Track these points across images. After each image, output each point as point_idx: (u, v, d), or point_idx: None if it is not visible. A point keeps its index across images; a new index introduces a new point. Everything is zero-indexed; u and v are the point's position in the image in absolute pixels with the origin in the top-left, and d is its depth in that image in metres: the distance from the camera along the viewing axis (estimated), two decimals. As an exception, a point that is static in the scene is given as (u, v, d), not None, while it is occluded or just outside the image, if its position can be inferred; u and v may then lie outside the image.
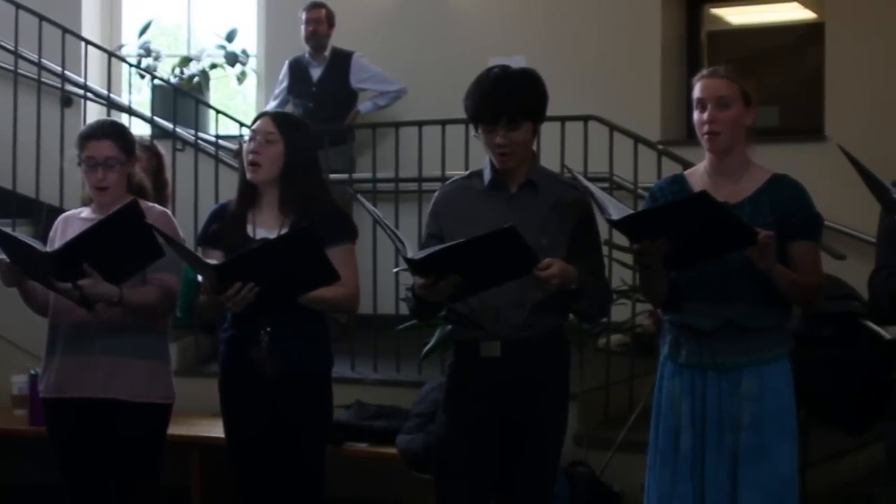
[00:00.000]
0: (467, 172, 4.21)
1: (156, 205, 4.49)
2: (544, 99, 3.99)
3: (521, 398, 3.97)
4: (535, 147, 4.07)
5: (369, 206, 3.97)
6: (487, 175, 4.02)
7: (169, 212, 4.56)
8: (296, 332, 4.27)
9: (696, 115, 3.86)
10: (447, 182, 4.23)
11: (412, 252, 3.70)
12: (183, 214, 6.85)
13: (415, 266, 3.71)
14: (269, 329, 4.22)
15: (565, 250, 3.91)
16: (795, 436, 3.87)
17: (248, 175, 4.31)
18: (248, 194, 4.37)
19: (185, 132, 7.97)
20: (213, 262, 4.05)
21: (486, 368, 3.97)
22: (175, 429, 4.81)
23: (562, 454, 4.18)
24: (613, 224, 3.64)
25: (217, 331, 4.57)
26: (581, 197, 4.01)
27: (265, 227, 4.31)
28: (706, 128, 3.82)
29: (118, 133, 4.46)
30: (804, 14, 8.37)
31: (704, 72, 3.92)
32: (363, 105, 8.52)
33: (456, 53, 8.45)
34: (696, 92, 3.87)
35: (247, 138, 4.40)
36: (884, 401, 4.53)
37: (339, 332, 6.41)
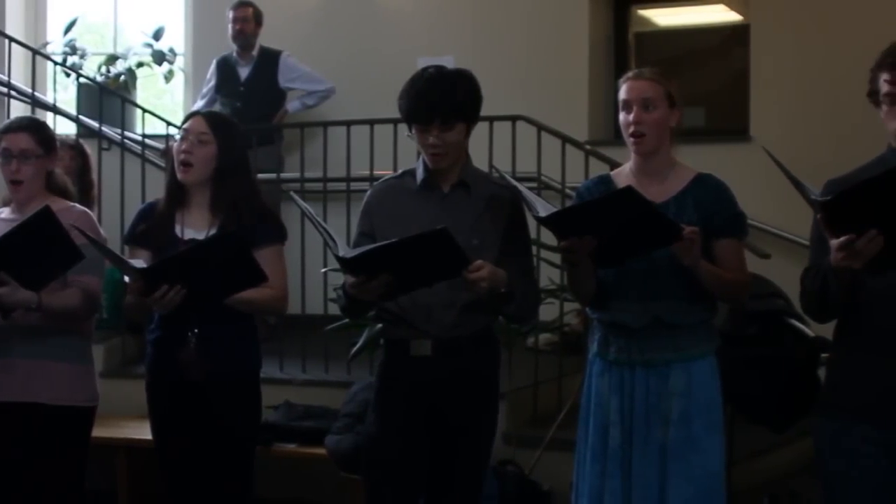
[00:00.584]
0: (399, 171, 4.20)
1: (76, 205, 4.42)
2: (478, 100, 3.99)
3: (452, 396, 3.97)
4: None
5: (302, 203, 3.95)
6: (420, 175, 4.03)
7: (90, 212, 4.49)
8: (224, 333, 4.25)
9: (621, 116, 3.88)
10: (379, 181, 4.23)
11: (344, 250, 3.70)
12: (109, 214, 6.81)
13: (346, 265, 3.71)
14: (196, 330, 4.20)
15: (496, 251, 3.93)
16: (723, 430, 3.91)
17: (179, 175, 4.27)
18: (177, 194, 4.33)
19: (111, 131, 7.90)
20: (138, 263, 4.02)
21: (416, 367, 3.98)
22: (102, 431, 4.77)
23: (492, 453, 4.20)
24: (541, 221, 3.66)
25: (144, 332, 4.52)
26: (512, 198, 4.02)
27: (194, 228, 4.28)
28: (632, 129, 3.84)
29: (35, 127, 4.41)
30: (730, 16, 8.45)
31: (630, 73, 3.94)
32: (291, 104, 8.50)
33: (384, 53, 8.45)
34: (622, 94, 3.89)
35: (177, 137, 4.36)
36: (807, 398, 4.58)
37: (267, 332, 6.39)
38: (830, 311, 3.63)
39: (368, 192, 4.16)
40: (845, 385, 3.64)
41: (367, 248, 3.73)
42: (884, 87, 3.50)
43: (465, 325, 3.96)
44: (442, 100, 3.87)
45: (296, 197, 4.05)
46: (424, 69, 3.97)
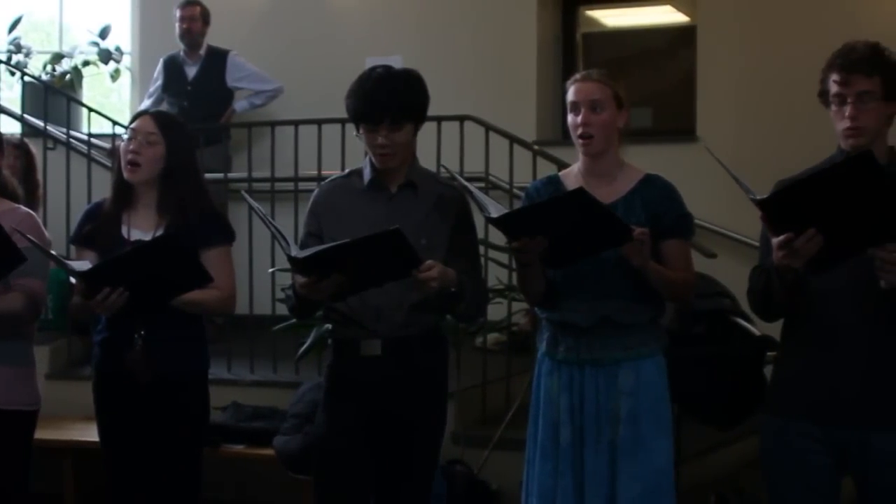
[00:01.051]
0: (347, 171, 4.20)
1: (20, 206, 4.34)
2: (426, 100, 3.99)
3: (402, 395, 3.98)
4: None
5: (253, 203, 3.92)
6: (367, 174, 4.02)
7: (34, 213, 4.41)
8: (171, 334, 4.22)
9: (570, 118, 3.90)
10: (326, 180, 4.22)
11: (296, 251, 3.68)
12: (54, 214, 6.75)
13: (298, 265, 3.69)
14: (143, 332, 4.17)
15: (444, 250, 3.94)
16: (671, 428, 3.93)
17: (126, 175, 4.24)
18: (124, 194, 4.30)
19: (56, 130, 7.83)
20: (82, 265, 3.98)
21: (366, 367, 3.97)
22: (48, 433, 4.73)
23: (440, 451, 4.20)
24: (493, 222, 3.65)
25: (91, 332, 4.49)
26: (459, 197, 4.04)
27: (140, 229, 4.25)
28: (580, 131, 3.85)
29: None
30: (677, 17, 8.50)
31: (578, 75, 3.95)
32: (239, 104, 8.46)
33: (332, 53, 8.44)
34: (570, 95, 3.90)
35: (125, 137, 4.33)
36: (754, 396, 4.62)
37: (215, 333, 6.36)
38: (775, 309, 3.66)
39: (315, 192, 4.14)
40: (789, 383, 3.68)
41: (320, 248, 3.71)
42: (833, 88, 3.54)
43: (415, 325, 3.97)
44: (390, 100, 3.86)
45: (247, 197, 4.01)
46: (372, 69, 3.96)
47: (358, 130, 3.94)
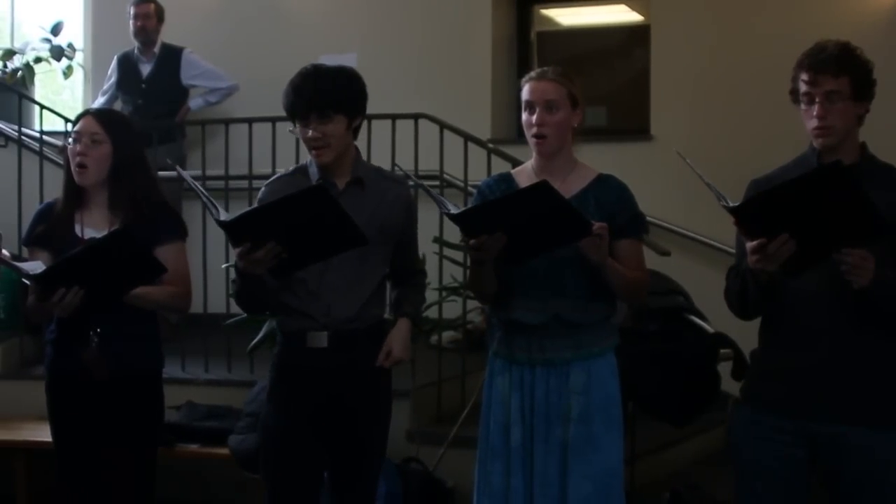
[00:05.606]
0: (291, 169, 4.20)
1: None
2: (358, 93, 4.01)
3: (347, 384, 4.01)
4: (368, 145, 4.06)
5: (185, 173, 3.91)
6: (314, 172, 4.03)
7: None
8: (126, 333, 4.21)
9: (524, 116, 3.90)
10: (273, 178, 4.22)
11: (224, 216, 3.64)
12: (5, 212, 6.70)
13: (226, 228, 3.65)
14: (98, 330, 4.15)
15: (392, 246, 4.04)
16: (622, 427, 3.94)
17: (77, 179, 4.22)
18: (75, 195, 4.28)
19: (7, 128, 7.76)
20: (36, 266, 3.94)
21: (312, 358, 4.00)
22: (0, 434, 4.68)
23: (387, 443, 4.21)
24: (453, 218, 3.64)
25: (43, 332, 4.45)
26: (405, 192, 4.10)
27: (94, 228, 4.23)
28: (534, 130, 3.86)
29: None
30: (631, 16, 8.53)
31: (533, 73, 3.95)
32: (194, 102, 8.42)
33: (287, 50, 8.40)
34: (525, 94, 3.90)
35: (71, 140, 4.30)
36: (707, 393, 4.65)
37: (169, 331, 6.32)
38: (751, 309, 3.69)
39: (262, 190, 4.13)
40: (765, 378, 3.71)
41: (246, 210, 3.70)
42: (802, 87, 3.57)
43: (363, 319, 4.01)
44: (316, 93, 3.90)
45: (179, 169, 3.99)
46: (304, 67, 3.99)
47: (294, 126, 3.97)
